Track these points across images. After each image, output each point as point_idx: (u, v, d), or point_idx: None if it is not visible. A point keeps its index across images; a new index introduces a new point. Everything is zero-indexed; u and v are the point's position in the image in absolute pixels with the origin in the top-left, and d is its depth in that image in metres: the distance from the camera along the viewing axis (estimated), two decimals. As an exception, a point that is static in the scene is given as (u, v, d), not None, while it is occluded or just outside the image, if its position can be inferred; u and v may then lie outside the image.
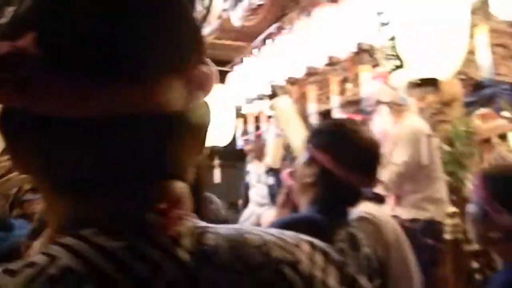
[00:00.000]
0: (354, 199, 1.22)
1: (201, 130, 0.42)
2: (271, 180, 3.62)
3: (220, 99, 3.79)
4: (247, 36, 3.71)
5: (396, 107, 2.49)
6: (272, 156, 3.56)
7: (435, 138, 2.67)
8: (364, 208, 1.64)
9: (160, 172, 0.39)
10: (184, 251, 0.37)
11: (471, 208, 1.15)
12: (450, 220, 2.29)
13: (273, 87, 2.94)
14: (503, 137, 3.15)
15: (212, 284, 0.36)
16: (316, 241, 0.43)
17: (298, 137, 2.72)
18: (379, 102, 2.50)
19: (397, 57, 2.03)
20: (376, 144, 1.23)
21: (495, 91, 3.89)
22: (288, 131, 2.89)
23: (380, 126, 2.51)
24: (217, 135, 3.72)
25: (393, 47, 2.03)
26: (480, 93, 3.92)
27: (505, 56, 3.14)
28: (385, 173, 2.39)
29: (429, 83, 2.11)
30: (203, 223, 0.40)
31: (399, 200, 2.48)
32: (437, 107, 2.79)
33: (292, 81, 3.21)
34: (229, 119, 3.85)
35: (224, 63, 4.12)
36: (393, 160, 2.41)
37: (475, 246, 2.49)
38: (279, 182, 3.35)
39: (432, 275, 2.39)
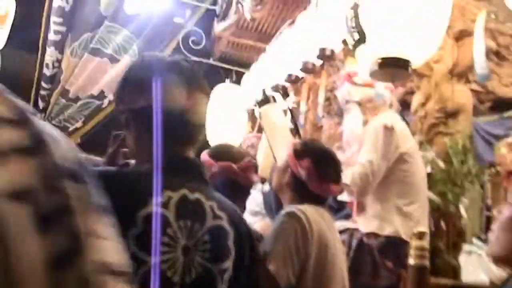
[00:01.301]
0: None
1: None
2: (266, 188, 3.32)
3: (231, 100, 3.63)
4: (267, 36, 3.53)
5: (370, 105, 2.12)
6: (262, 164, 3.29)
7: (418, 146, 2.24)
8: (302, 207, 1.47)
9: None
10: None
11: None
12: (417, 241, 1.85)
13: (264, 92, 2.72)
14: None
15: None
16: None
17: (282, 148, 2.44)
18: (348, 102, 2.18)
19: (360, 29, 1.71)
20: None
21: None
22: (272, 141, 2.63)
23: (349, 126, 2.17)
24: (225, 136, 3.54)
25: (356, 17, 1.72)
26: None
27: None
28: (348, 175, 2.02)
29: (398, 65, 1.76)
30: None
31: (362, 208, 2.08)
32: (439, 117, 2.36)
33: (292, 81, 2.95)
34: (240, 120, 3.66)
35: (246, 65, 3.98)
36: (359, 159, 2.03)
37: (444, 280, 2.00)
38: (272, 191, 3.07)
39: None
